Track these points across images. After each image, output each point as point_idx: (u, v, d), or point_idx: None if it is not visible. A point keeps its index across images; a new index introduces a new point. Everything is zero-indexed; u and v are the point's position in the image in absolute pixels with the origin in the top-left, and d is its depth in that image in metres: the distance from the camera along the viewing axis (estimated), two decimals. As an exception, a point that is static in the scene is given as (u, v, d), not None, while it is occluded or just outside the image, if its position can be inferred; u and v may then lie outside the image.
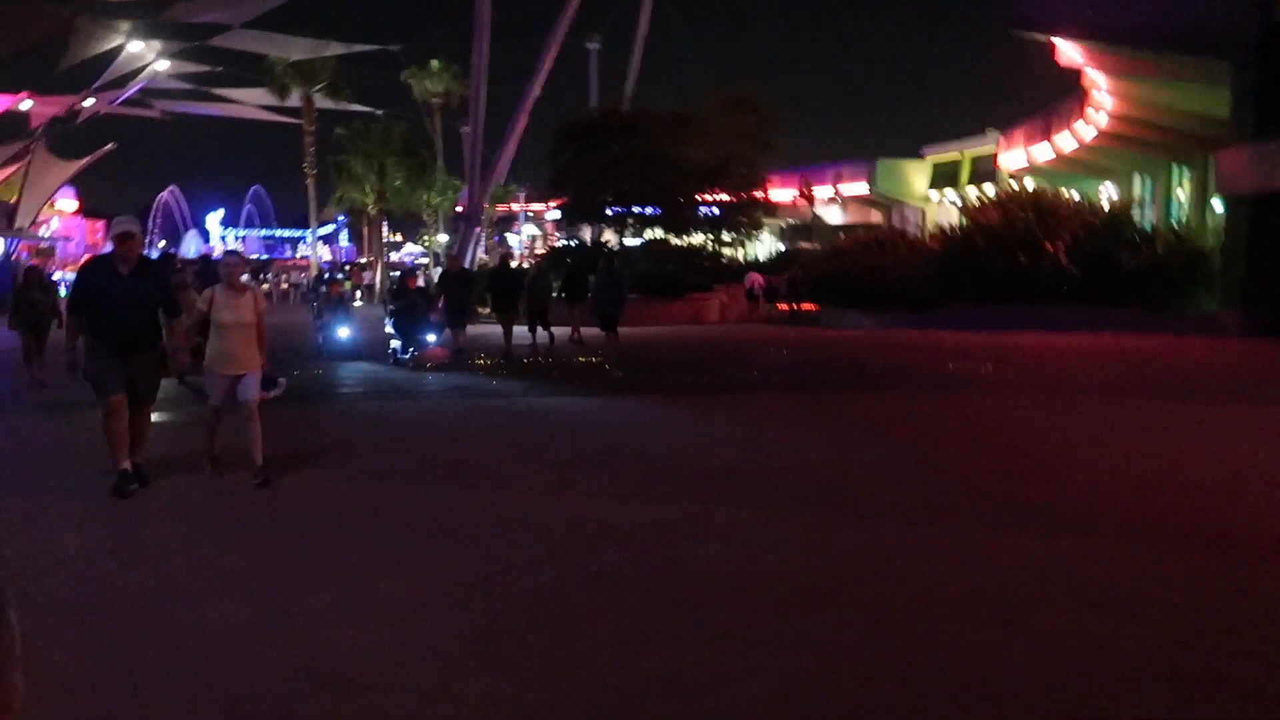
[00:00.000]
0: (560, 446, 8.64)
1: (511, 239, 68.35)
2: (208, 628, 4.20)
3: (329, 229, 55.66)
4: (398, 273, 50.09)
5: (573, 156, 33.15)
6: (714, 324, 26.41)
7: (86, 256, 56.13)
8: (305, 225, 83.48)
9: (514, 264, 37.50)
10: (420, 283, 17.55)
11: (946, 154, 46.81)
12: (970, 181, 43.52)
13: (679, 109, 34.89)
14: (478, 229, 30.53)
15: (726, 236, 39.26)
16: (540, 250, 61.01)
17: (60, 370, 12.17)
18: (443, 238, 51.29)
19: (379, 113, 46.05)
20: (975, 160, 44.80)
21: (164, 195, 75.48)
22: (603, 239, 43.44)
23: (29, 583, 4.60)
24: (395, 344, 15.46)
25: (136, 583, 4.80)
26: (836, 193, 52.76)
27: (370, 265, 50.21)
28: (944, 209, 45.81)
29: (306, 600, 4.54)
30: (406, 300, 15.47)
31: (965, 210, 27.50)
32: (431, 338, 15.19)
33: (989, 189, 35.23)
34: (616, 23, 56.51)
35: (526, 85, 35.83)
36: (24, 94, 41.46)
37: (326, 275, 23.60)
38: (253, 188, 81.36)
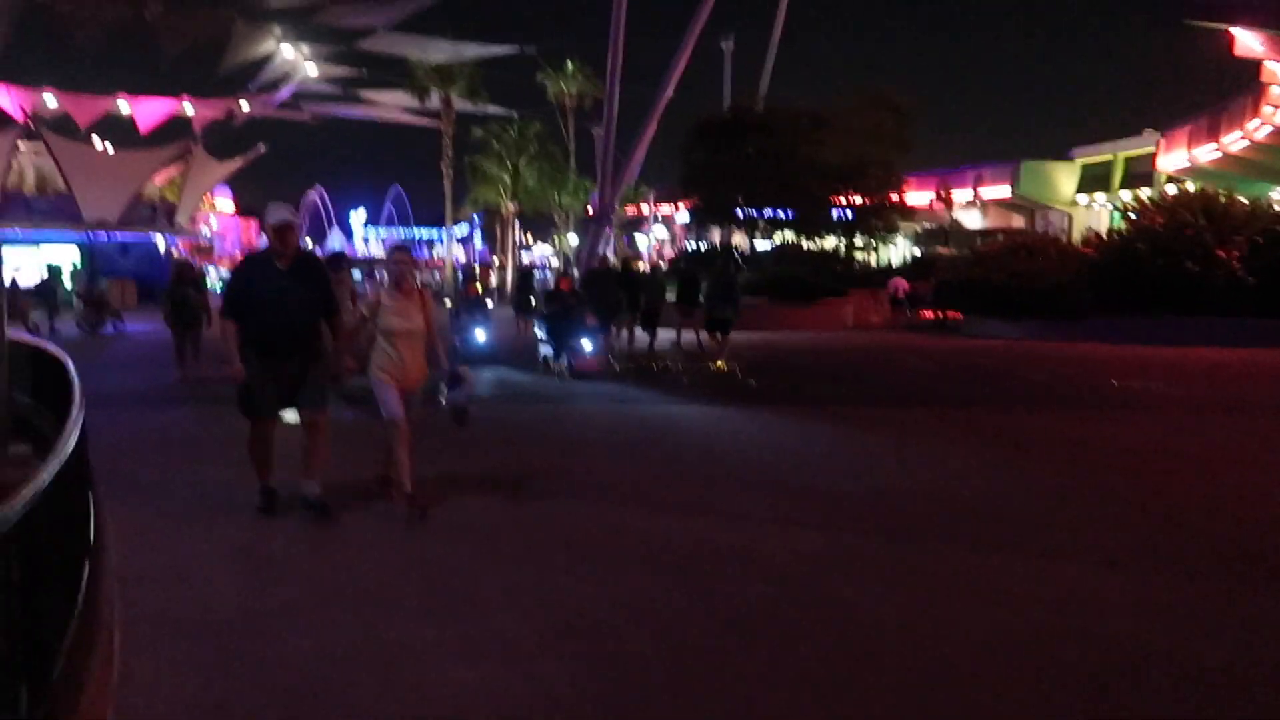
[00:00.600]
0: (692, 461, 8.12)
1: (640, 240, 68.39)
2: (308, 656, 3.87)
3: (464, 229, 56.88)
4: (520, 273, 51.05)
5: (705, 156, 32.73)
6: (847, 330, 25.42)
7: (240, 254, 58.99)
8: (441, 224, 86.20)
9: (641, 266, 37.37)
10: (570, 284, 15.71)
11: (1097, 155, 44.12)
12: (1123, 185, 40.87)
13: (814, 107, 34.02)
14: (608, 230, 30.35)
15: (859, 240, 38.19)
16: (669, 253, 60.85)
17: (213, 368, 12.67)
18: (573, 238, 51.66)
19: (514, 114, 46.78)
20: (1129, 162, 42.04)
21: (311, 194, 78.84)
22: (732, 241, 42.95)
23: (141, 596, 4.38)
24: (546, 350, 14.41)
25: (246, 604, 4.53)
26: (976, 196, 50.59)
27: (500, 265, 51.09)
28: (1093, 213, 43.25)
29: (420, 631, 4.17)
30: (561, 304, 14.26)
31: (1125, 214, 25.65)
32: (588, 345, 13.97)
33: (1144, 192, 32.94)
34: (752, 21, 55.76)
35: (659, 86, 35.64)
36: (185, 98, 43.94)
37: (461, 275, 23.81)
38: (392, 187, 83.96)
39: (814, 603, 4.58)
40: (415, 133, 52.35)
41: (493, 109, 46.61)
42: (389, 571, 5.04)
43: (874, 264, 39.90)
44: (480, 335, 15.14)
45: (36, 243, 34.34)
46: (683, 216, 64.88)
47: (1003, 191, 49.35)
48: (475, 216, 66.04)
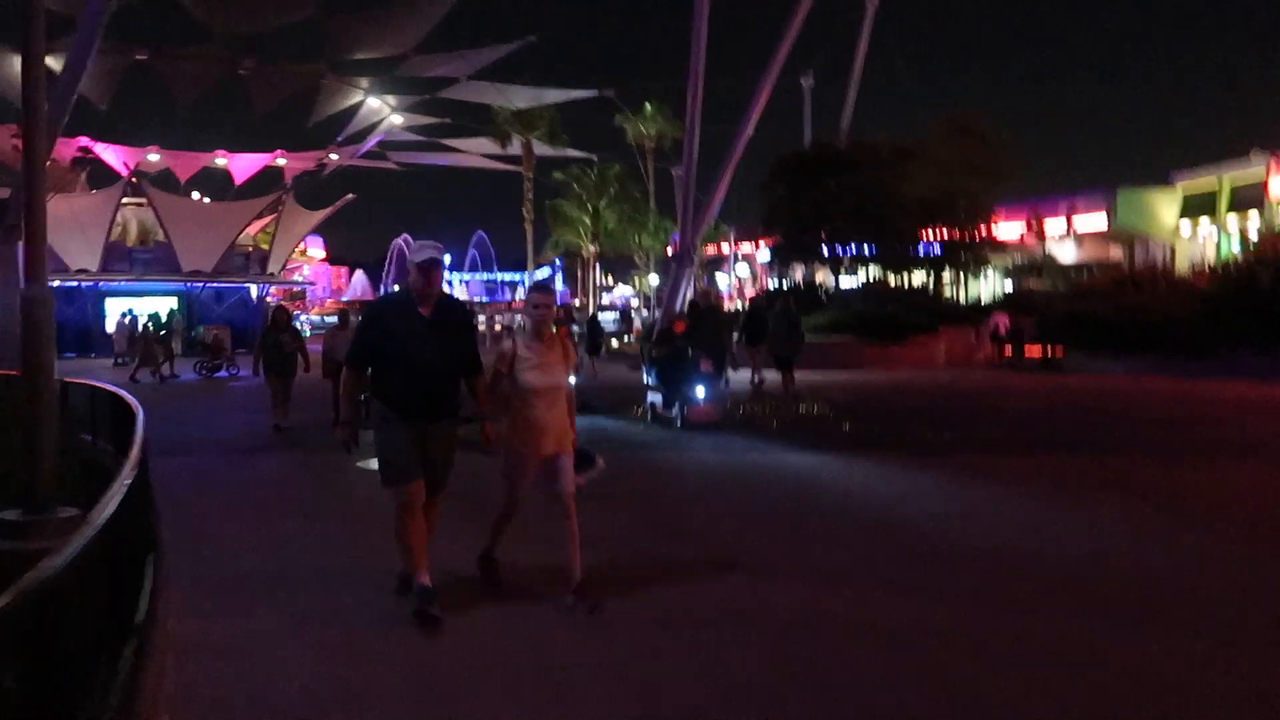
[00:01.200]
0: (790, 513, 7.54)
1: (720, 280, 68.05)
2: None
3: (545, 272, 57.41)
4: (612, 314, 51.14)
5: (787, 193, 32.26)
6: (940, 369, 24.44)
7: (330, 301, 60.15)
8: (523, 268, 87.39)
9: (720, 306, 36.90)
10: (685, 326, 14.02)
11: (1200, 180, 42.15)
12: (1230, 210, 38.89)
13: (898, 140, 33.28)
14: (689, 270, 29.96)
15: (947, 275, 37.10)
16: (750, 292, 60.28)
17: (313, 419, 12.30)
18: (654, 279, 51.52)
19: (594, 157, 47.12)
20: (1236, 187, 40.02)
21: (397, 242, 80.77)
22: (816, 279, 42.22)
23: (200, 675, 4.02)
24: (655, 398, 13.27)
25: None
26: (1070, 227, 48.87)
27: (580, 307, 51.18)
28: (1196, 244, 41.23)
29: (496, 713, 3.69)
30: (671, 348, 12.97)
31: (1245, 243, 24.24)
32: (702, 392, 12.62)
33: (1254, 219, 31.20)
34: (832, 57, 55.31)
35: (738, 124, 35.33)
36: (279, 152, 45.43)
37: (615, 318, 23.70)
38: (476, 234, 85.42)
39: (944, 690, 3.96)
40: (497, 177, 53.27)
41: (572, 152, 47.08)
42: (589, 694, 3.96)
43: (962, 299, 38.72)
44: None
45: (138, 293, 35.59)
46: (763, 255, 64.48)
47: (1098, 221, 47.51)
48: (556, 260, 66.69)
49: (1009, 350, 26.40)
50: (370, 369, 5.08)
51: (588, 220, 43.44)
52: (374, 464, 5.94)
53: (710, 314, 17.47)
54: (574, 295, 76.98)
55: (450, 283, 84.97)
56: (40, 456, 3.86)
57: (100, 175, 41.28)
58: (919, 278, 35.83)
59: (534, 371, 5.11)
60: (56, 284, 35.13)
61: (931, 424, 12.78)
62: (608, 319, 47.76)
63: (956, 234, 34.51)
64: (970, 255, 35.74)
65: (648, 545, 6.53)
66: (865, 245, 34.90)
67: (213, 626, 4.76)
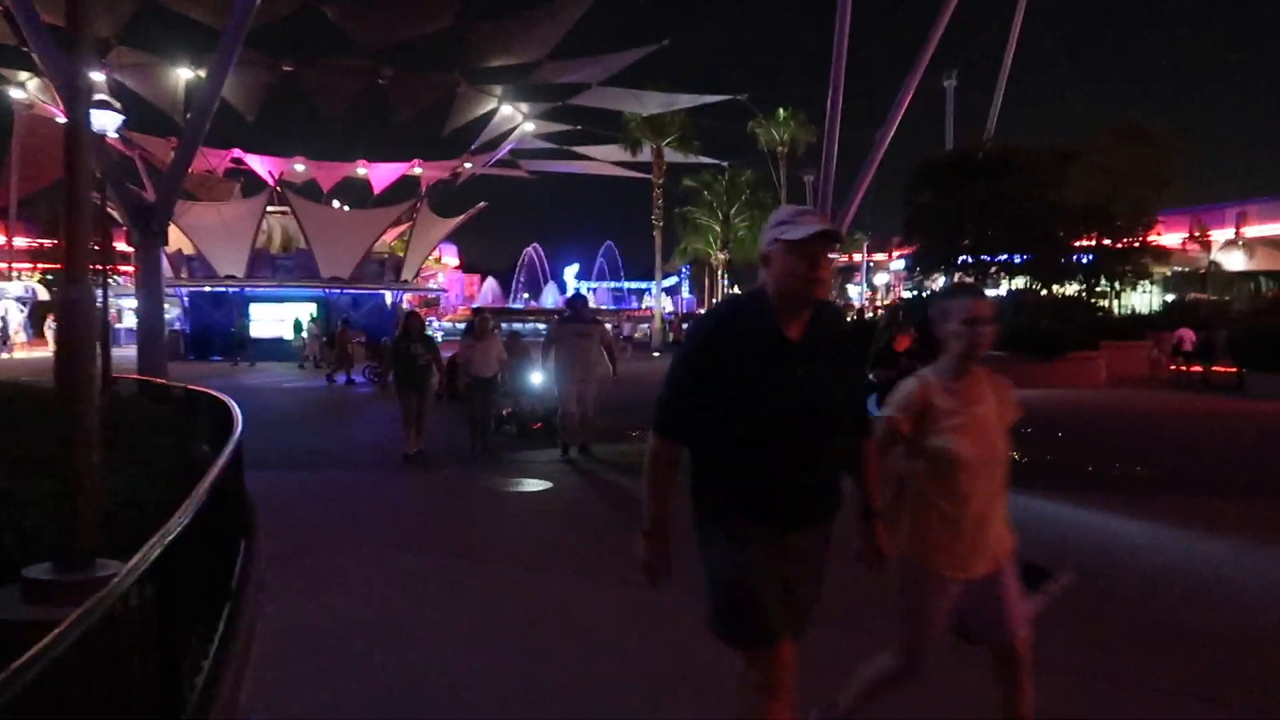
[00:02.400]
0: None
1: (851, 290, 66.07)
2: None
3: (672, 280, 56.81)
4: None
5: (931, 199, 30.61)
6: (1103, 388, 22.47)
7: (462, 308, 60.83)
8: (650, 277, 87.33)
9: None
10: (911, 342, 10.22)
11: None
12: None
13: (1057, 144, 31.14)
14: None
15: (1103, 286, 34.59)
16: (884, 301, 58.25)
17: (449, 441, 11.59)
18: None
19: (724, 164, 46.23)
20: None
21: (528, 251, 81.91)
22: (904, 294, 40.15)
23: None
24: None
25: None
26: (1238, 235, 45.17)
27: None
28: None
29: None
30: (897, 369, 9.55)
31: None
32: None
33: None
34: (977, 56, 52.94)
35: (876, 130, 33.94)
36: (416, 161, 46.32)
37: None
38: (605, 244, 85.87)
39: None
40: (625, 185, 52.97)
41: (703, 159, 46.33)
42: None
43: (1117, 312, 36.07)
44: None
45: (280, 299, 36.67)
46: (897, 264, 62.19)
47: (1272, 229, 43.79)
48: (683, 267, 66.03)
49: (1192, 367, 24.21)
50: (695, 435, 2.91)
51: (718, 227, 42.57)
52: (528, 484, 5.21)
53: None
54: (699, 304, 76.27)
55: (579, 290, 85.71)
56: (78, 496, 3.19)
57: (253, 186, 42.98)
58: (1071, 289, 33.50)
59: (960, 436, 3.06)
60: (207, 289, 36.59)
61: (1119, 455, 11.31)
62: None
63: (1116, 243, 32.16)
64: (1130, 265, 33.25)
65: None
66: (1011, 255, 32.90)
67: None
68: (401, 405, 10.97)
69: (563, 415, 11.11)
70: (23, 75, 32.87)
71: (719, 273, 46.70)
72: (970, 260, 32.85)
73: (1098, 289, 34.30)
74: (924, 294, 40.64)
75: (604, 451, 11.13)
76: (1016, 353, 23.69)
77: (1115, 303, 36.26)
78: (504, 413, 12.73)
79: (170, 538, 3.21)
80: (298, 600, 5.38)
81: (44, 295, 43.58)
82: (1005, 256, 32.67)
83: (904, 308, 15.63)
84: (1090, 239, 32.26)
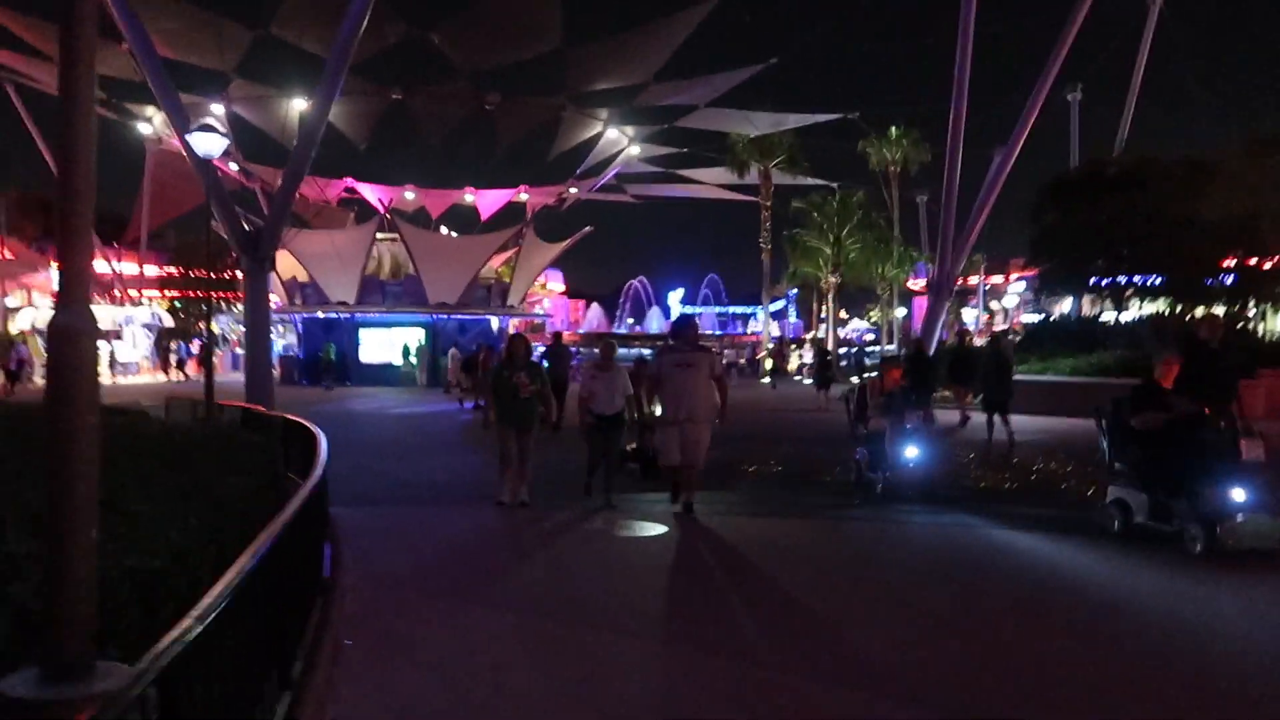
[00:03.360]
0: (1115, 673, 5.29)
1: (967, 314, 63.61)
2: None
3: (779, 304, 55.58)
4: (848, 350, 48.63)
5: (1060, 216, 28.79)
6: (1265, 419, 20.34)
7: (568, 333, 61.60)
8: (756, 302, 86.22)
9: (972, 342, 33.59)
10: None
11: None
12: None
13: (1195, 155, 28.96)
14: (947, 302, 27.37)
15: (1250, 309, 31.93)
16: (1000, 325, 55.75)
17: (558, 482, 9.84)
18: (900, 312, 48.46)
19: (833, 185, 44.98)
20: None
21: (634, 283, 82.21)
22: (1082, 312, 37.84)
23: None
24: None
25: None
26: (1405, 252, 41.30)
27: (804, 342, 48.96)
28: None
29: None
30: (1169, 411, 7.87)
31: None
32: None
33: None
34: (1102, 68, 50.22)
35: (995, 148, 32.30)
36: (522, 187, 46.55)
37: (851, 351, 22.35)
38: (708, 276, 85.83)
39: None
40: (730, 209, 52.20)
41: (812, 180, 45.15)
42: None
43: (1263, 336, 33.25)
44: (911, 453, 9.72)
45: (389, 324, 37.11)
46: (1017, 286, 59.45)
47: None
48: (790, 291, 64.68)
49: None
50: None
51: (828, 250, 41.27)
52: (641, 529, 4.47)
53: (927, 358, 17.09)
54: (808, 329, 74.79)
55: (685, 315, 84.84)
56: (64, 591, 2.47)
57: (366, 215, 43.82)
58: (1215, 311, 31.02)
59: None
60: (320, 315, 37.29)
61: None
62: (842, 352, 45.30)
63: (1260, 261, 29.63)
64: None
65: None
66: (1143, 275, 30.70)
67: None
68: (499, 443, 9.33)
69: (663, 468, 9.30)
70: (149, 110, 34.18)
71: (828, 296, 45.23)
72: (1102, 281, 30.83)
73: (1245, 312, 31.71)
74: (1049, 317, 38.41)
75: (718, 500, 9.68)
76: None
77: (1263, 326, 33.46)
78: (628, 448, 11.01)
79: (193, 635, 2.50)
80: (374, 681, 4.68)
81: (169, 322, 45.32)
82: (1139, 278, 30.53)
83: (1154, 325, 13.96)
84: (1233, 258, 29.86)
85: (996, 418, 14.73)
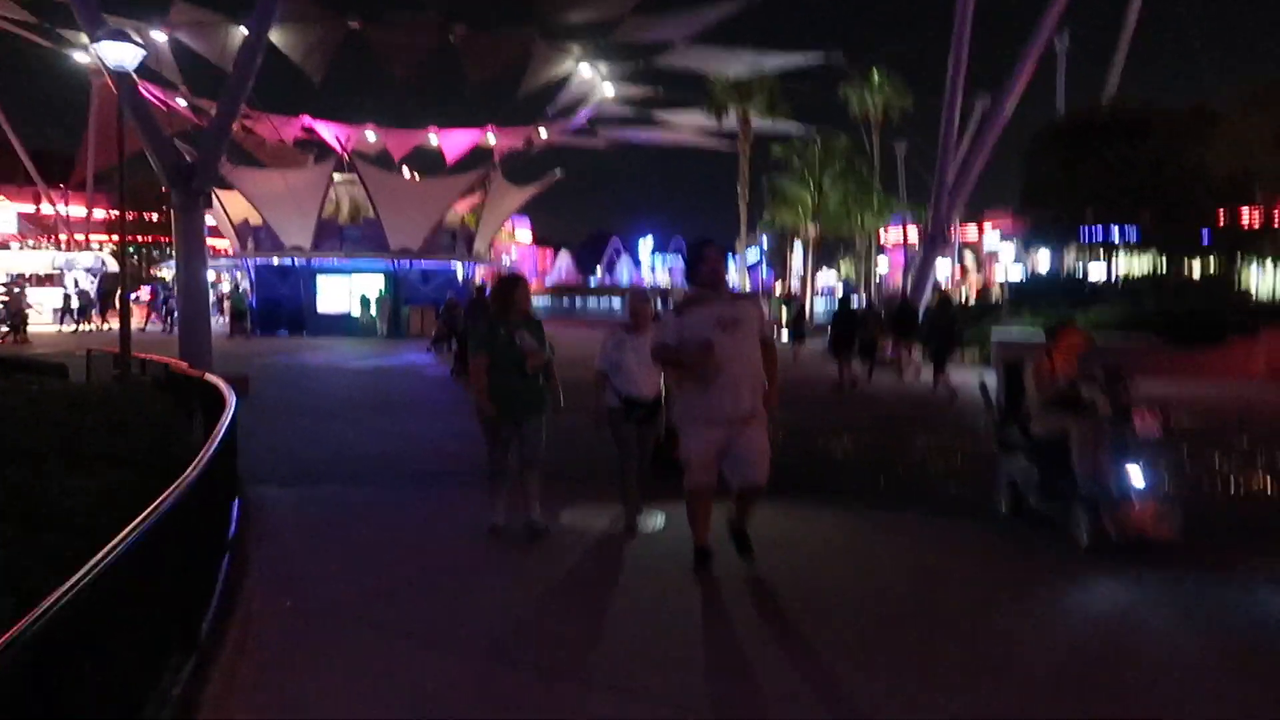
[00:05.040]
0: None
1: (941, 265, 62.47)
2: None
3: (755, 255, 53.94)
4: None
5: (1056, 165, 27.49)
6: (1261, 380, 19.28)
7: (535, 281, 59.62)
8: (727, 253, 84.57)
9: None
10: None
11: None
12: None
13: (1202, 103, 27.71)
14: (938, 254, 26.11)
15: (1239, 264, 31.11)
16: (974, 278, 54.85)
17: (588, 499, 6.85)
18: (884, 263, 47.10)
19: (811, 131, 43.38)
20: None
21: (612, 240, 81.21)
22: (1064, 266, 36.88)
23: None
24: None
25: None
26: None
27: (790, 295, 47.64)
28: None
29: None
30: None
31: None
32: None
33: None
34: (1089, 12, 48.73)
35: (985, 95, 30.86)
36: (489, 127, 44.40)
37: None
38: (675, 239, 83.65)
39: None
40: (703, 159, 50.39)
41: (789, 126, 43.44)
42: None
43: (1261, 293, 32.44)
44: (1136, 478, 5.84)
45: (347, 271, 35.12)
46: (991, 239, 58.29)
47: None
48: (762, 239, 63.09)
49: None
50: None
51: (809, 198, 39.70)
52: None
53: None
54: (776, 279, 73.42)
55: (654, 266, 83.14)
56: None
57: (326, 157, 41.53)
58: (1200, 266, 30.17)
59: None
60: (275, 262, 35.20)
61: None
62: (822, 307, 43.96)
63: (1263, 215, 28.69)
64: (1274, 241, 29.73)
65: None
66: (1124, 227, 29.65)
67: None
68: (487, 441, 6.30)
69: (688, 493, 5.53)
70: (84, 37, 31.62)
71: (810, 247, 43.70)
72: (1093, 232, 29.76)
73: (1236, 267, 30.90)
74: (1033, 271, 37.30)
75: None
76: (1166, 337, 20.77)
77: (1259, 283, 32.66)
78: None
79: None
80: None
81: (115, 267, 42.99)
82: (1120, 231, 29.44)
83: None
84: (1234, 211, 28.90)
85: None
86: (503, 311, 6.24)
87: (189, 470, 3.94)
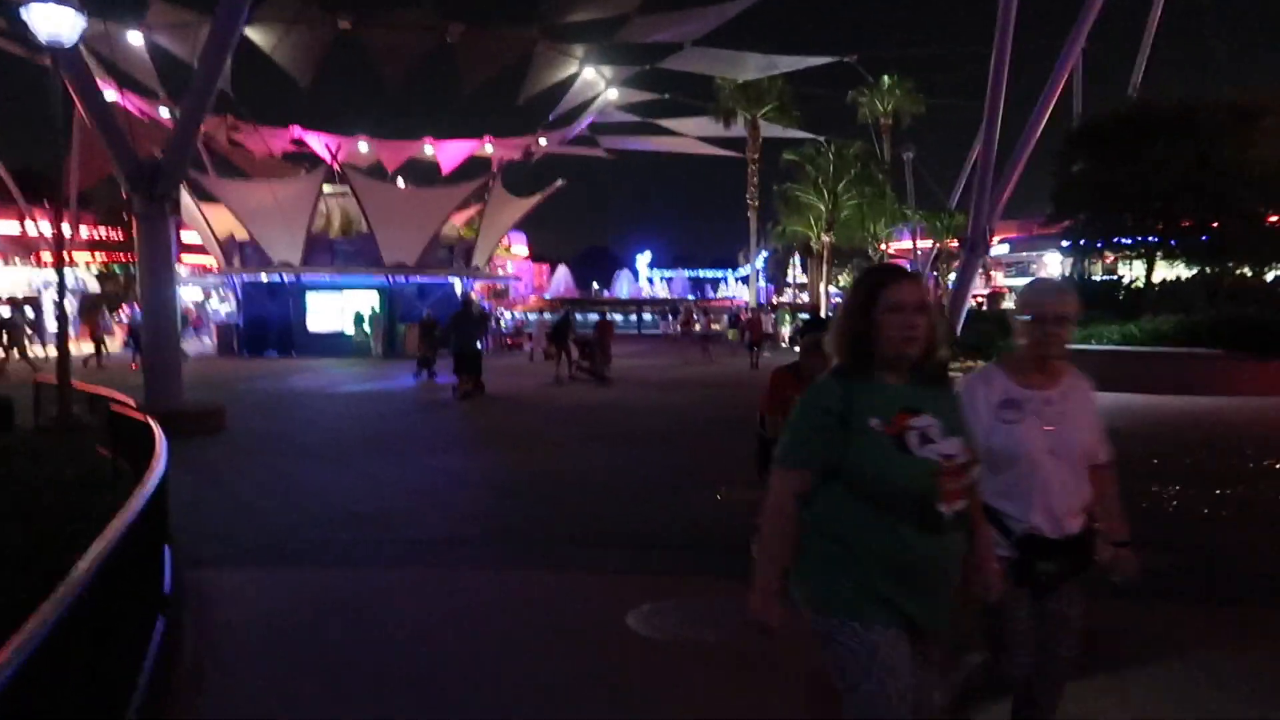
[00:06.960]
0: None
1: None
2: None
3: (750, 268, 52.11)
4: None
5: (1091, 166, 25.71)
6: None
7: (534, 298, 58.03)
8: (725, 265, 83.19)
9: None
10: None
11: None
12: None
13: (1240, 99, 25.99)
14: (980, 262, 24.50)
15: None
16: (983, 290, 53.15)
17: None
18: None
19: (821, 139, 41.75)
20: None
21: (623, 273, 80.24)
22: (1096, 273, 35.20)
23: None
24: None
25: None
26: None
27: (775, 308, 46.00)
28: None
29: None
30: None
31: None
32: None
33: None
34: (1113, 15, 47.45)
35: (1040, 94, 29.32)
36: (486, 138, 42.66)
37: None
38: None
39: None
40: (704, 168, 48.84)
41: (799, 133, 41.78)
42: None
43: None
44: None
45: (339, 288, 33.25)
46: (999, 248, 56.66)
47: None
48: (765, 252, 61.43)
49: None
50: None
51: (822, 207, 37.96)
52: None
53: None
54: (778, 293, 71.86)
55: (651, 279, 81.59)
56: None
57: (316, 166, 39.72)
58: (1257, 273, 28.36)
59: None
60: (264, 279, 33.31)
61: None
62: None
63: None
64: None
65: None
66: (1165, 228, 27.89)
67: None
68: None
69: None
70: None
71: (823, 257, 41.88)
72: (1132, 240, 27.92)
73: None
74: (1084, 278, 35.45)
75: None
76: (1229, 349, 19.06)
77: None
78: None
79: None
80: None
81: (95, 286, 41.08)
82: (1176, 238, 27.62)
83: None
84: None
85: None
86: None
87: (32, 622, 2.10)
